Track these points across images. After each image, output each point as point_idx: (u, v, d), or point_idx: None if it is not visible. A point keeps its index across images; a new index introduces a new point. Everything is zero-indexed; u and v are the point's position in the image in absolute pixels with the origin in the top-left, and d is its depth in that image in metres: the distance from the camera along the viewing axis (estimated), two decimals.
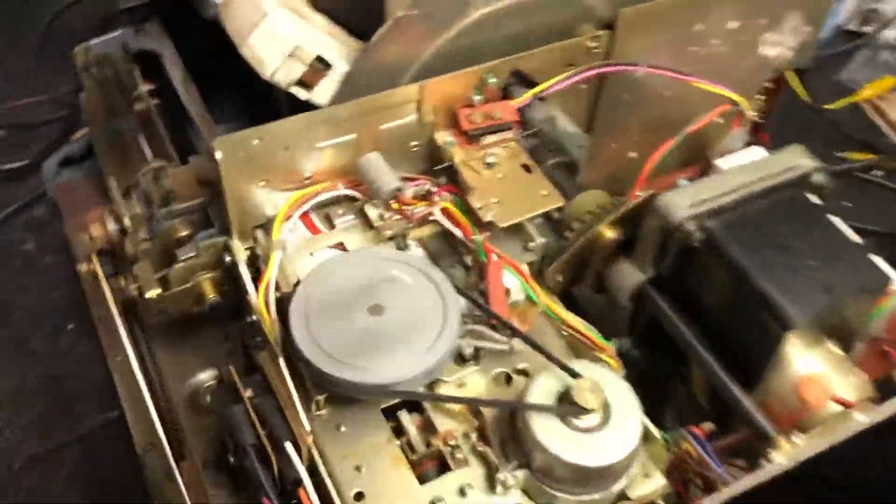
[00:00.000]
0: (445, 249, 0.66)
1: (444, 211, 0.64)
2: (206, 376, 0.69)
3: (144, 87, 0.83)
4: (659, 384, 0.66)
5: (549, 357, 0.56)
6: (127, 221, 0.67)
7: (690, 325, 0.61)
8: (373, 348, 0.56)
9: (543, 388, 0.54)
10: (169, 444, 0.66)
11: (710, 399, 0.62)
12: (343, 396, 0.56)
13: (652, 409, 0.55)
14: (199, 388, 0.69)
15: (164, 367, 0.70)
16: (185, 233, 0.66)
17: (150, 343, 0.71)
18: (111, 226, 0.70)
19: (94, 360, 0.80)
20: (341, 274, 0.60)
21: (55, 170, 1.07)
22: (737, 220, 0.60)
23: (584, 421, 0.52)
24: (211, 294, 0.65)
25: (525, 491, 0.54)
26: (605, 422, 0.53)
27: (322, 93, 0.68)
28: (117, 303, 0.73)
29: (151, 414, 0.68)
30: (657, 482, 0.55)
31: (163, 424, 0.67)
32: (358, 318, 0.57)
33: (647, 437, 0.55)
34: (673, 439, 0.56)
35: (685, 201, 0.60)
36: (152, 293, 0.63)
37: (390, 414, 0.57)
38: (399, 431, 0.57)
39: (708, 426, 0.58)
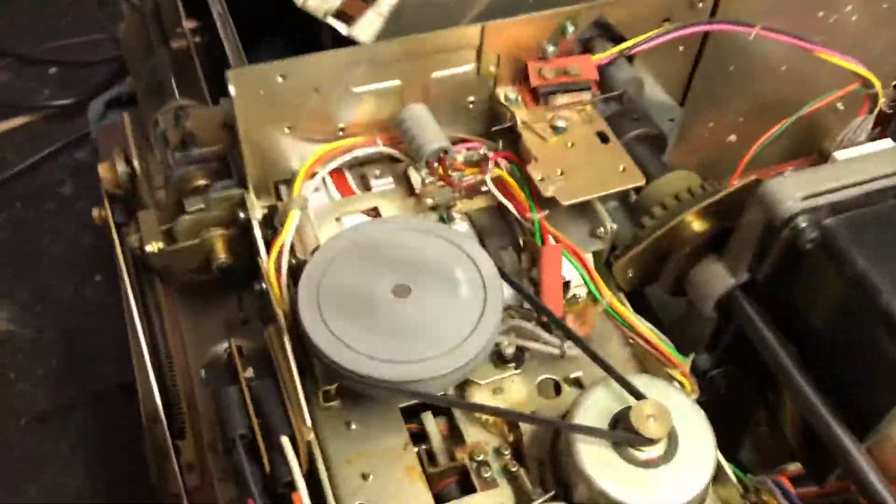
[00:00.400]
0: (496, 227, 0.61)
1: (498, 181, 0.59)
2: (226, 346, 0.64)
3: (188, 24, 0.76)
4: (738, 409, 0.61)
5: (608, 369, 0.51)
6: (136, 163, 0.61)
7: (787, 346, 0.54)
8: (393, 337, 0.50)
9: (596, 407, 0.49)
10: (171, 418, 0.62)
11: (799, 435, 0.56)
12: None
13: (725, 437, 0.50)
14: (219, 359, 0.64)
15: (182, 332, 0.66)
16: (201, 182, 0.62)
17: (170, 305, 0.68)
18: (121, 168, 0.63)
19: (118, 316, 0.78)
20: (366, 244, 0.55)
21: (101, 111, 1.04)
22: (863, 220, 0.51)
23: (644, 452, 0.47)
24: (222, 255, 0.61)
25: None
26: (670, 455, 0.48)
27: (365, 27, 0.63)
28: (126, 255, 0.67)
29: (152, 383, 0.64)
30: None
31: (165, 396, 0.63)
32: (380, 298, 0.52)
33: (718, 477, 0.50)
34: (752, 485, 0.51)
35: (798, 192, 0.52)
36: (153, 246, 0.60)
37: (412, 415, 0.53)
38: (419, 436, 0.53)
39: (793, 468, 0.54)
